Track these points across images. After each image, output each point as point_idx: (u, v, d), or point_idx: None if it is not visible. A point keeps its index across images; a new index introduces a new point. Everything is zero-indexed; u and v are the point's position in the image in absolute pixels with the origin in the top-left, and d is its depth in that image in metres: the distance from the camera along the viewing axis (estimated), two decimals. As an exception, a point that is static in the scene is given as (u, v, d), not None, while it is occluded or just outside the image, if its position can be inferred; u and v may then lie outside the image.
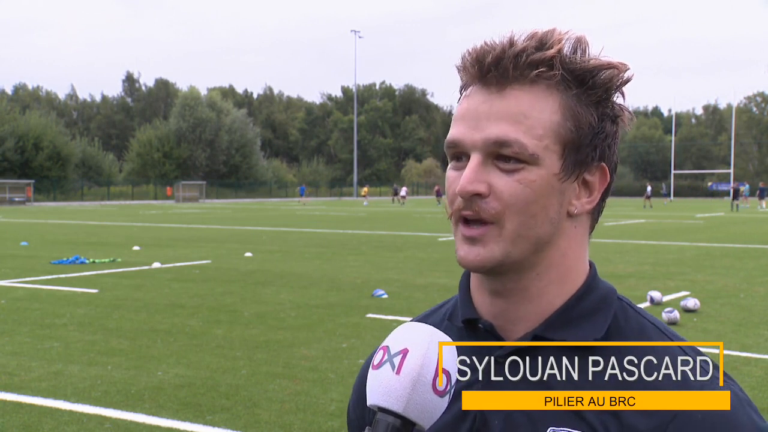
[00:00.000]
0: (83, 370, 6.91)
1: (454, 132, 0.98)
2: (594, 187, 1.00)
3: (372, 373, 0.90)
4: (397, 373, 0.87)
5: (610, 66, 0.97)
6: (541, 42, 0.96)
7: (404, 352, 0.88)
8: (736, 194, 47.16)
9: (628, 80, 0.99)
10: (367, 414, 1.08)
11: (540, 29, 0.98)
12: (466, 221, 0.97)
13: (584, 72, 0.96)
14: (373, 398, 0.89)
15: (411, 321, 1.00)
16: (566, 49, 0.96)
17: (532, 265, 0.98)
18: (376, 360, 0.90)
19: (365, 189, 70.81)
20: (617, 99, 0.99)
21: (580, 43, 0.97)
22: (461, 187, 0.95)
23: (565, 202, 0.98)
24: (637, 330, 0.98)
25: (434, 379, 0.87)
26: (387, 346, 0.90)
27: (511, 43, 0.96)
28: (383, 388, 0.88)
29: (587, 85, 0.96)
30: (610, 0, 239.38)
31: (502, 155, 0.95)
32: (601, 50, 0.99)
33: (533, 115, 0.95)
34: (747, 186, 61.52)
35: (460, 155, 0.98)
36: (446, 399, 0.89)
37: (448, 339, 0.91)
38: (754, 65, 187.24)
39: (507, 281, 0.99)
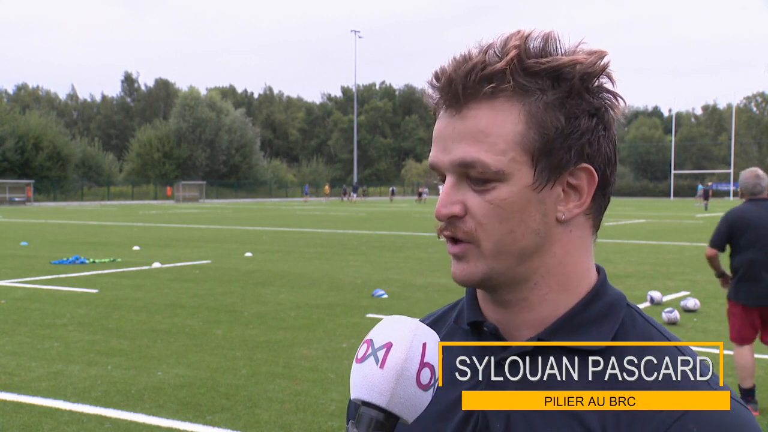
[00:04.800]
0: (83, 370, 6.91)
1: (431, 156, 0.99)
2: (582, 189, 0.97)
3: (356, 367, 0.89)
4: (381, 366, 0.87)
5: (573, 62, 0.92)
6: (496, 52, 0.93)
7: (388, 346, 0.87)
8: (707, 195, 48.37)
9: (602, 69, 0.94)
10: (352, 408, 1.07)
11: (502, 36, 0.95)
12: (450, 239, 0.98)
13: (546, 73, 0.93)
14: (356, 392, 0.88)
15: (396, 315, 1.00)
16: (531, 50, 0.93)
17: (525, 277, 0.97)
18: (359, 354, 0.89)
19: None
20: (605, 85, 0.95)
21: (548, 41, 0.94)
22: (437, 210, 0.96)
23: (550, 210, 0.96)
24: (643, 335, 0.97)
25: (418, 373, 0.87)
26: (371, 340, 0.89)
27: (465, 59, 0.94)
28: (367, 382, 0.87)
29: (550, 85, 0.93)
30: (611, 0, 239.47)
31: (471, 175, 0.95)
32: (579, 43, 0.95)
33: (494, 131, 0.93)
34: (701, 186, 62.92)
35: (443, 176, 0.99)
36: (430, 393, 0.88)
37: (432, 333, 0.90)
38: (754, 65, 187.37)
39: (504, 293, 0.99)
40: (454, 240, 0.97)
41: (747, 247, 5.88)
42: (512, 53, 0.92)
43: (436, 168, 0.98)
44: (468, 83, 0.93)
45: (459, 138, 0.94)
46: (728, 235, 5.96)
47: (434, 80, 0.97)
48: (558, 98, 0.93)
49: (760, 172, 6.01)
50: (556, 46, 0.94)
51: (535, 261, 0.97)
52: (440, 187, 1.00)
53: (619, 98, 0.97)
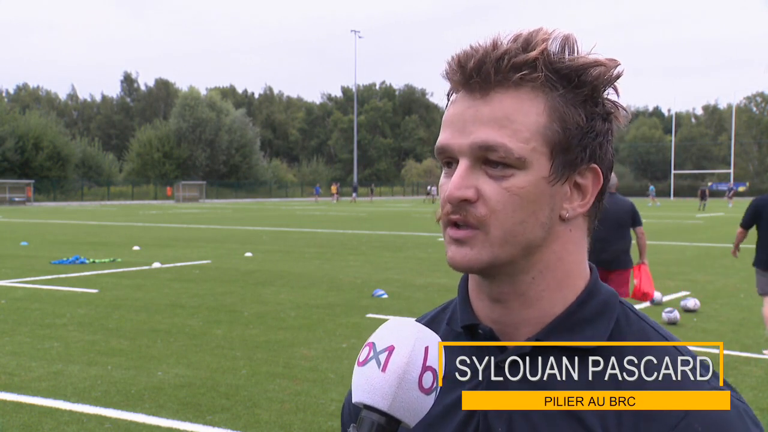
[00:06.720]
0: (83, 370, 6.91)
1: (442, 138, 0.98)
2: (587, 189, 0.99)
3: (358, 370, 0.89)
4: (383, 370, 0.86)
5: (597, 63, 0.95)
6: (526, 43, 0.94)
7: (390, 349, 0.87)
8: (704, 195, 49.66)
9: (617, 76, 0.97)
10: (355, 411, 1.07)
11: (526, 30, 0.96)
12: (455, 224, 0.96)
13: (570, 71, 0.95)
14: (358, 395, 0.88)
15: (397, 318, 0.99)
16: (552, 49, 0.95)
17: (525, 269, 0.97)
18: (361, 357, 0.89)
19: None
20: (610, 96, 0.98)
21: (567, 42, 0.96)
22: (449, 192, 0.94)
23: (557, 206, 0.97)
24: (639, 334, 0.98)
25: (420, 377, 0.86)
26: (373, 343, 0.89)
27: (495, 45, 0.95)
28: (369, 386, 0.87)
29: (574, 84, 0.95)
30: (611, 0, 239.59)
31: (489, 160, 0.94)
32: (592, 48, 0.97)
33: (518, 118, 0.94)
34: (652, 187, 64.24)
35: (450, 161, 0.98)
36: (432, 397, 0.88)
37: (434, 336, 0.90)
38: (754, 65, 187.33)
39: (502, 285, 0.98)
40: (458, 225, 0.96)
41: (598, 226, 7.66)
42: (542, 46, 0.94)
43: (448, 150, 0.97)
44: (500, 68, 0.94)
45: (482, 121, 0.94)
46: None
47: (459, 62, 0.96)
48: (578, 97, 0.95)
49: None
50: (573, 49, 0.96)
51: (537, 255, 0.97)
52: (443, 173, 1.00)
53: (621, 109, 0.99)
